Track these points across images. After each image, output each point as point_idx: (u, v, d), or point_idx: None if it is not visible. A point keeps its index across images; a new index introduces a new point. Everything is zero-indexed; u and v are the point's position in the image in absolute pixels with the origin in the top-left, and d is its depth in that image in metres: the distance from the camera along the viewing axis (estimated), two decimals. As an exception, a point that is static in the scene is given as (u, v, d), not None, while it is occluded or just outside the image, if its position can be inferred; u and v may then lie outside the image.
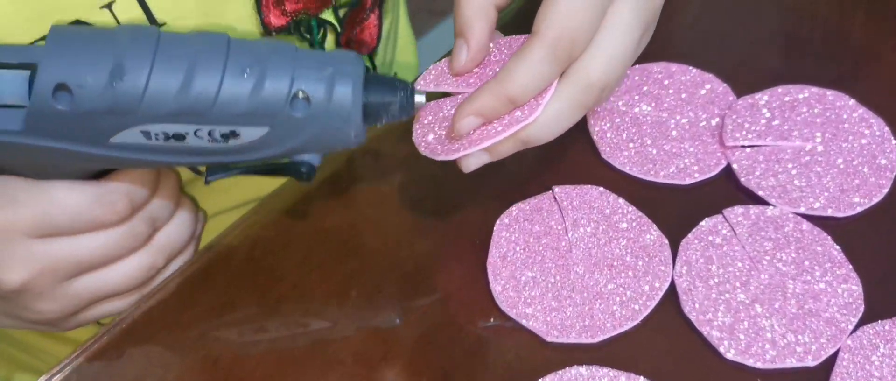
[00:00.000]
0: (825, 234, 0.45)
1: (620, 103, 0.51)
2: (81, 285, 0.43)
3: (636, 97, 0.51)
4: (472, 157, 0.41)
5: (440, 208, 0.49)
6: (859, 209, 0.46)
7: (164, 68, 0.36)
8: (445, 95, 0.44)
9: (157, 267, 0.45)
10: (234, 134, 0.38)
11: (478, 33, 0.41)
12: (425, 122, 0.43)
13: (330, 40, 0.51)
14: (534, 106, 0.39)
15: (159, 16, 0.42)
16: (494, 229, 0.47)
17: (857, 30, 0.56)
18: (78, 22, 0.41)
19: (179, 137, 0.38)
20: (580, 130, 0.51)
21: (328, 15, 0.49)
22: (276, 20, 0.46)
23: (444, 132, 0.42)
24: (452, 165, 0.50)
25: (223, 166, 0.41)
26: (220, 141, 0.38)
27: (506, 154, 0.41)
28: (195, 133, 0.38)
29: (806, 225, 0.45)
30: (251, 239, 0.48)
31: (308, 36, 0.49)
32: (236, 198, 0.56)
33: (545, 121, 0.39)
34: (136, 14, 0.42)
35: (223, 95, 0.37)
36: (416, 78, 0.43)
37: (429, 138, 0.42)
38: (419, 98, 0.41)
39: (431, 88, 0.44)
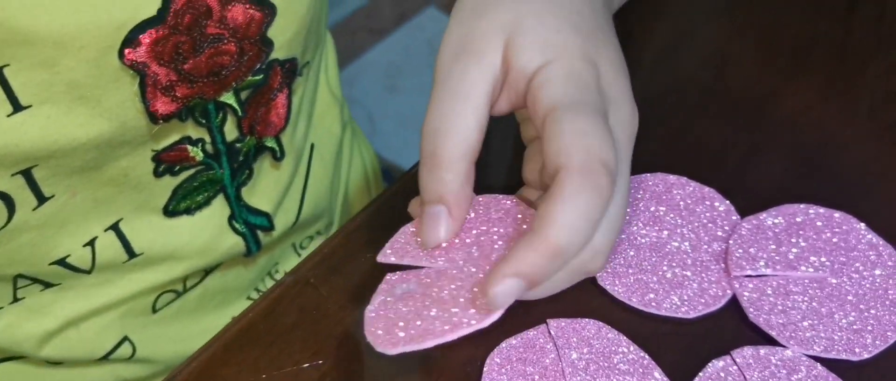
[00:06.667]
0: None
1: (616, 221, 0.47)
2: None
3: (633, 214, 0.48)
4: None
5: (423, 342, 0.44)
6: (874, 352, 0.43)
7: None
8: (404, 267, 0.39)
9: None
10: None
11: (463, 201, 0.37)
12: (377, 312, 0.38)
13: (230, 124, 0.45)
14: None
15: (24, 98, 0.36)
16: (484, 370, 0.42)
17: (861, 142, 0.53)
18: None
19: None
20: (574, 251, 0.47)
21: (228, 98, 0.44)
22: (163, 107, 0.40)
23: (400, 320, 0.37)
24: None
25: None
26: None
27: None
28: None
29: (819, 369, 0.42)
30: None
31: (204, 121, 0.44)
32: (123, 290, 0.49)
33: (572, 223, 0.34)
34: None
35: None
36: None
37: (378, 331, 0.37)
38: None
39: (394, 261, 0.39)
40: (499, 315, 0.36)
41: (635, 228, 0.47)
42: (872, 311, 0.44)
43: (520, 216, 0.39)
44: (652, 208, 0.48)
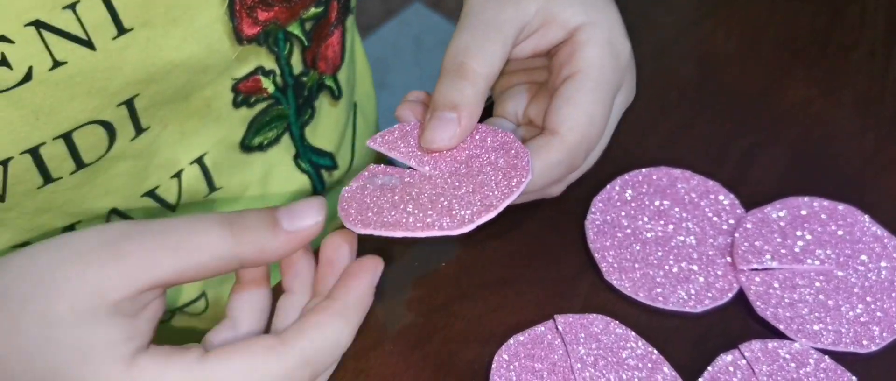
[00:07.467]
0: (849, 373, 0.42)
1: (622, 216, 0.47)
2: None
3: (638, 209, 0.47)
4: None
5: (429, 340, 0.43)
6: (882, 344, 0.43)
7: None
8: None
9: None
10: None
11: (474, 116, 0.39)
12: (353, 193, 0.38)
13: (296, 55, 0.47)
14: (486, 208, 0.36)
15: (127, 20, 0.38)
16: (492, 366, 0.42)
17: (864, 134, 0.53)
18: (38, 23, 0.35)
19: None
20: (580, 245, 0.47)
21: (295, 28, 0.46)
22: (248, 29, 0.43)
23: (375, 205, 0.37)
24: (445, 292, 0.45)
25: None
26: None
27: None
28: None
29: (827, 362, 0.42)
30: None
31: (275, 49, 0.46)
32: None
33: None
34: (101, 14, 0.37)
35: None
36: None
37: (350, 209, 0.37)
38: None
39: (383, 150, 0.40)
40: (471, 228, 0.35)
41: (641, 222, 0.47)
42: (879, 303, 0.44)
43: (513, 153, 0.39)
44: (657, 203, 0.48)
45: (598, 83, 0.40)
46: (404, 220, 0.36)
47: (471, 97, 0.39)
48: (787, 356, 0.42)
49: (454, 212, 0.36)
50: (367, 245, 0.41)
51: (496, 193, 0.36)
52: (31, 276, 0.31)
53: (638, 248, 0.46)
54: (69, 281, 0.30)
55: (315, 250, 0.39)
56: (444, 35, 1.74)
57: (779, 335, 0.43)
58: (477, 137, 0.40)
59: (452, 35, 0.41)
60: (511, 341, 0.43)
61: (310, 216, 0.34)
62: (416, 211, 0.36)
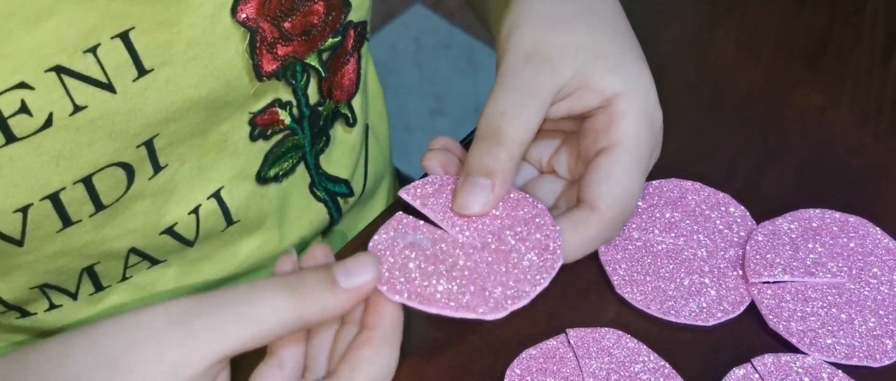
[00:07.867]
0: (863, 388, 0.42)
1: (633, 228, 0.47)
2: None
3: (649, 221, 0.47)
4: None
5: (442, 352, 0.43)
6: (895, 358, 0.43)
7: None
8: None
9: None
10: None
11: (508, 183, 0.38)
12: (383, 246, 0.37)
13: (313, 86, 0.47)
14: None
15: (147, 62, 0.38)
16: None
17: (874, 144, 0.53)
18: (58, 68, 0.35)
19: None
20: (592, 258, 0.47)
21: (312, 59, 0.46)
22: (268, 65, 0.43)
23: (407, 271, 0.37)
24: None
25: None
26: None
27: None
28: None
29: (841, 377, 0.42)
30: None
31: (293, 81, 0.46)
32: (221, 266, 0.51)
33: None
34: (122, 57, 0.37)
35: None
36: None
37: (383, 270, 0.37)
38: None
39: (416, 205, 0.40)
40: (503, 315, 0.36)
41: (652, 235, 0.47)
42: (892, 316, 0.44)
43: (542, 226, 0.39)
44: (667, 215, 0.48)
45: (636, 158, 0.40)
46: (437, 297, 0.36)
47: (505, 164, 0.39)
48: (801, 369, 0.42)
49: (487, 294, 0.36)
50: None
51: (528, 276, 0.37)
52: (104, 360, 0.32)
53: (649, 260, 0.46)
54: (146, 364, 0.31)
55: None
56: (444, 36, 1.73)
57: (791, 348, 0.43)
58: (510, 204, 0.40)
59: (489, 97, 0.40)
60: (523, 355, 0.43)
61: (365, 273, 0.35)
62: (449, 287, 0.37)
